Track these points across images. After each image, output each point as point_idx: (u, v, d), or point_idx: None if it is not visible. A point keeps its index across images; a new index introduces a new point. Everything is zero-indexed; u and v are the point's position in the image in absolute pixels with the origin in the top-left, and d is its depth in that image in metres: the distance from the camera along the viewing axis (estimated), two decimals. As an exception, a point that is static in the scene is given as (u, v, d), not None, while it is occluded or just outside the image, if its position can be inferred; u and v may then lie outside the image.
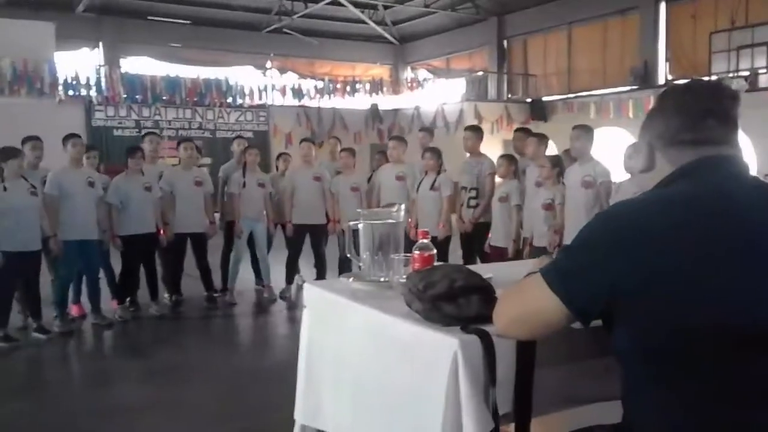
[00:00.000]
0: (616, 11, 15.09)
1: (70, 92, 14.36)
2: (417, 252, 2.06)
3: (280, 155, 7.98)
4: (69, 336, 5.80)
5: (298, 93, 17.20)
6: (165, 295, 6.77)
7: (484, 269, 2.06)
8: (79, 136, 6.02)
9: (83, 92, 14.49)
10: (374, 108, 17.83)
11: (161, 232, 6.41)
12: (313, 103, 17.31)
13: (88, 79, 14.61)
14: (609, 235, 1.31)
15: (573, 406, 1.79)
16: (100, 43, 16.44)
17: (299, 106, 17.12)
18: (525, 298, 1.45)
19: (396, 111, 18.38)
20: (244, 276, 7.23)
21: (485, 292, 1.75)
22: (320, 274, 7.08)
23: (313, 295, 2.41)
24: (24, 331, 5.78)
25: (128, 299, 6.41)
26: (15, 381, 4.85)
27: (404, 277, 2.15)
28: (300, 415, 2.46)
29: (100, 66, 15.28)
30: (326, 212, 7.12)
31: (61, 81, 14.19)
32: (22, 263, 5.36)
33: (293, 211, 7.02)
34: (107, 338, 5.98)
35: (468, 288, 1.75)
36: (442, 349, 1.63)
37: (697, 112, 1.39)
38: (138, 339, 5.95)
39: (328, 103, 17.55)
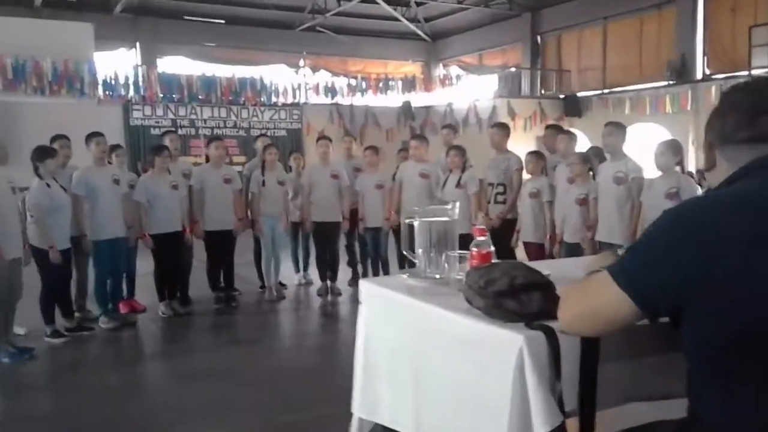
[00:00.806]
0: (653, 5, 14.87)
1: (109, 92, 14.65)
2: (474, 249, 2.09)
3: (290, 153, 8.03)
4: (116, 332, 5.94)
5: (330, 91, 17.31)
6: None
7: (541, 266, 2.08)
8: (102, 135, 6.03)
9: (121, 92, 14.77)
10: (406, 105, 17.85)
11: (188, 230, 6.49)
12: (346, 101, 17.41)
13: (126, 78, 14.90)
14: (679, 231, 1.33)
15: (637, 401, 1.81)
16: (137, 43, 16.72)
17: (332, 104, 17.23)
18: (592, 295, 1.47)
19: (428, 108, 18.37)
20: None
21: (546, 289, 1.78)
22: (333, 273, 7.18)
23: (369, 291, 2.45)
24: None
25: (176, 295, 6.52)
26: (58, 376, 5.00)
27: (460, 273, 2.19)
28: (357, 409, 2.51)
29: (137, 66, 15.56)
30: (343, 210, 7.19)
31: (100, 81, 14.49)
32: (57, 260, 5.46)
33: (312, 208, 7.07)
34: (150, 335, 6.10)
35: (529, 284, 1.78)
36: (506, 344, 1.66)
37: (750, 109, 1.40)
38: (179, 335, 6.05)
39: (360, 100, 17.63)
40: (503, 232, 6.22)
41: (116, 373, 5.06)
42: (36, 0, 14.68)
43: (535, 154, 6.31)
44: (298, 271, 7.82)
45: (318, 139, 7.65)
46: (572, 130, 7.49)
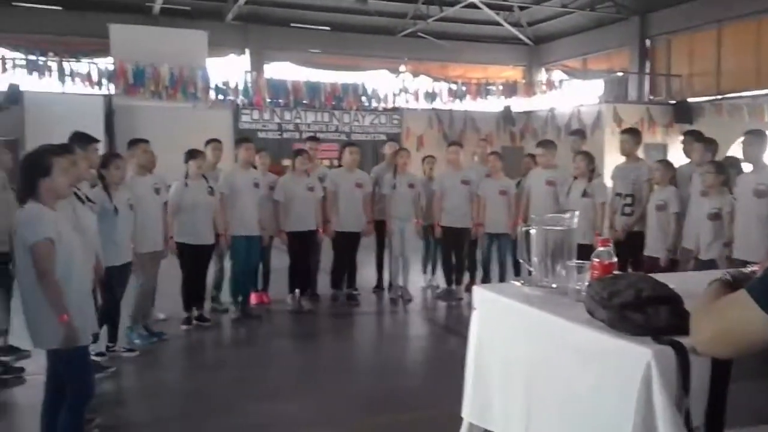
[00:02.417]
0: (773, 7, 14.01)
1: (220, 97, 15.36)
2: (596, 259, 2.07)
3: (425, 158, 8.11)
4: (246, 321, 6.25)
5: (430, 96, 17.38)
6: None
7: (666, 279, 2.04)
8: (251, 141, 6.52)
9: (231, 97, 15.44)
10: (507, 110, 17.65)
11: (321, 230, 6.76)
12: (445, 106, 17.42)
13: (236, 84, 15.56)
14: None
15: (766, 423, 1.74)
16: (247, 50, 17.39)
17: (431, 109, 17.29)
18: (728, 316, 1.41)
19: (529, 113, 18.09)
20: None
21: (674, 303, 1.75)
22: (458, 278, 7.20)
23: (483, 297, 2.47)
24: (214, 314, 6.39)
25: (306, 291, 6.79)
26: (186, 358, 5.44)
27: (579, 284, 2.17)
28: (467, 414, 2.53)
29: (246, 72, 16.21)
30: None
31: (212, 86, 15.21)
32: (196, 255, 5.83)
33: (442, 213, 7.14)
34: (274, 326, 6.38)
35: (656, 298, 1.75)
36: (632, 358, 1.65)
37: None
38: (302, 329, 6.28)
39: (459, 105, 17.59)
40: (629, 246, 5.89)
41: (236, 358, 5.40)
42: (155, 9, 15.57)
43: (664, 163, 6.00)
44: (425, 273, 7.92)
45: (449, 145, 7.71)
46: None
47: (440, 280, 7.56)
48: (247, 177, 6.38)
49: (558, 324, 1.99)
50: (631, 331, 1.72)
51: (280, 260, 6.97)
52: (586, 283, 2.02)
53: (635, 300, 1.75)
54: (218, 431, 3.82)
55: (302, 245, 6.62)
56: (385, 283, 7.48)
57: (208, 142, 6.55)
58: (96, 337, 4.61)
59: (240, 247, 6.27)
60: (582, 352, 1.87)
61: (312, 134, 15.62)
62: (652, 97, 16.78)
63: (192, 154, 5.94)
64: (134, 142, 5.68)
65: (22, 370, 4.59)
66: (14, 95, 13.34)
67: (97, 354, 4.84)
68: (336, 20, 17.79)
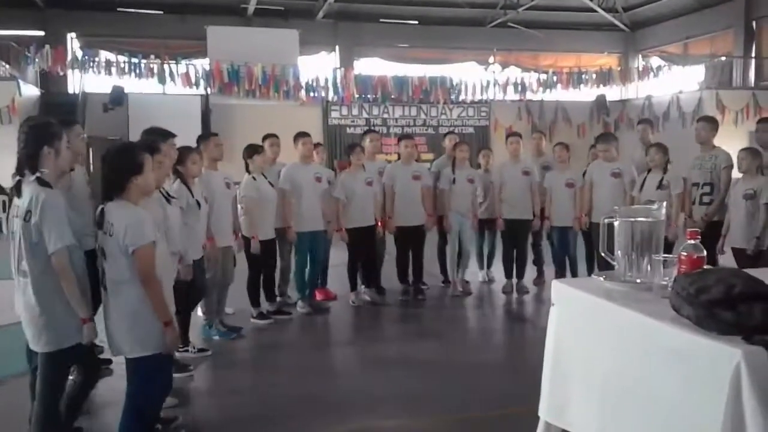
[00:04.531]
0: None
1: (311, 94, 15.67)
2: (685, 253, 1.95)
3: (479, 150, 7.94)
4: (311, 317, 6.34)
5: (520, 87, 17.04)
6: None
7: (761, 275, 1.89)
8: (308, 134, 6.45)
9: (321, 93, 15.73)
10: (601, 99, 17.04)
11: (380, 224, 6.71)
12: (536, 97, 17.03)
13: (326, 80, 15.82)
14: None
15: None
16: (337, 47, 17.64)
17: (520, 101, 16.95)
18: None
19: (624, 102, 17.41)
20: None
21: (770, 301, 1.62)
22: (520, 271, 7.06)
23: (563, 292, 2.39)
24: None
25: (369, 286, 6.80)
26: (260, 354, 5.44)
27: (665, 279, 2.05)
28: (545, 412, 2.46)
29: (336, 68, 16.46)
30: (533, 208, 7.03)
31: (303, 84, 15.54)
32: (261, 249, 5.88)
33: (502, 206, 6.97)
34: (342, 321, 6.42)
35: (749, 295, 1.63)
36: (720, 358, 1.54)
37: None
38: (369, 323, 6.30)
39: (550, 95, 17.15)
40: (708, 236, 5.66)
41: (311, 354, 5.40)
42: (249, 10, 16.05)
43: (750, 151, 5.67)
44: (482, 268, 7.80)
45: (508, 136, 7.55)
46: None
47: (499, 274, 7.38)
48: (308, 171, 6.35)
49: (641, 321, 1.89)
50: (720, 330, 1.61)
51: (340, 256, 6.96)
52: (673, 279, 1.90)
53: (725, 296, 1.63)
54: (303, 422, 3.87)
55: (362, 241, 6.55)
56: (449, 278, 7.35)
57: (265, 137, 6.54)
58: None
59: (305, 242, 6.28)
60: (666, 351, 1.76)
61: (400, 129, 15.84)
62: (759, 82, 15.74)
63: (254, 149, 5.95)
64: (205, 136, 5.72)
65: (109, 362, 4.36)
66: (119, 97, 14.13)
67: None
68: (424, 14, 17.73)
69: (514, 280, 7.12)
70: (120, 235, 2.77)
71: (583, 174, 6.90)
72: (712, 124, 6.16)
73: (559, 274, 6.93)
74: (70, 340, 2.85)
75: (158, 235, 2.94)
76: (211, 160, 5.49)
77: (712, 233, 5.57)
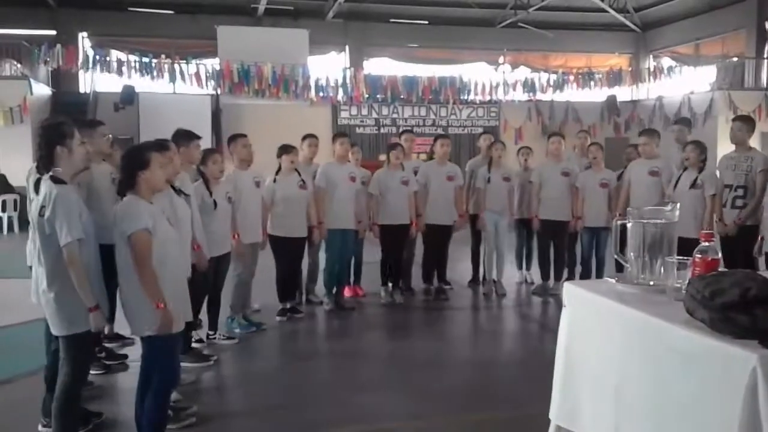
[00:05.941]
0: None
1: (321, 93, 15.67)
2: (699, 256, 1.92)
3: (520, 149, 7.90)
4: (340, 313, 6.37)
5: (530, 87, 16.98)
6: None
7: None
8: (347, 135, 6.59)
9: (331, 93, 15.73)
10: (611, 99, 16.96)
11: (414, 224, 6.73)
12: (546, 97, 16.97)
13: (336, 81, 15.83)
14: None
15: None
16: (347, 47, 17.64)
17: (529, 101, 16.90)
18: None
19: (635, 102, 17.32)
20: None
21: (786, 304, 1.59)
22: (557, 273, 6.98)
23: (575, 294, 2.36)
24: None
25: (399, 284, 6.82)
26: (282, 348, 5.53)
27: (679, 281, 2.03)
28: (555, 416, 2.43)
29: (345, 68, 16.46)
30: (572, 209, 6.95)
31: (312, 84, 15.55)
32: (289, 247, 5.95)
33: (540, 206, 6.93)
34: (368, 318, 6.41)
35: (765, 298, 1.60)
36: (735, 363, 1.51)
37: None
38: (394, 321, 6.30)
39: (561, 96, 17.09)
40: (740, 240, 5.47)
41: (335, 350, 5.48)
42: (259, 10, 16.07)
43: None
44: (520, 268, 7.76)
45: (549, 136, 7.48)
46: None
47: (535, 275, 7.34)
48: (344, 171, 6.45)
49: (653, 324, 1.86)
50: (735, 334, 1.59)
51: (372, 254, 7.00)
52: (687, 281, 1.88)
53: (741, 300, 1.61)
54: (313, 422, 3.87)
55: (395, 239, 6.61)
56: (481, 278, 7.35)
57: (305, 137, 6.67)
58: (194, 325, 4.81)
59: (335, 239, 6.34)
60: (679, 355, 1.74)
61: (409, 128, 15.80)
62: (771, 83, 15.63)
63: (285, 149, 6.06)
64: (234, 138, 5.84)
65: (125, 356, 4.82)
66: (129, 96, 14.19)
67: (197, 341, 5.02)
68: (434, 14, 17.70)
69: (551, 282, 7.04)
70: (119, 223, 3.01)
71: (619, 175, 6.83)
72: (749, 124, 5.88)
73: (585, 276, 6.82)
74: (81, 326, 3.03)
75: (159, 226, 3.09)
76: (241, 160, 5.61)
77: (744, 237, 5.41)
